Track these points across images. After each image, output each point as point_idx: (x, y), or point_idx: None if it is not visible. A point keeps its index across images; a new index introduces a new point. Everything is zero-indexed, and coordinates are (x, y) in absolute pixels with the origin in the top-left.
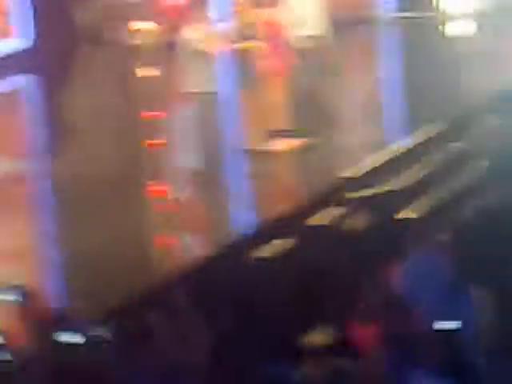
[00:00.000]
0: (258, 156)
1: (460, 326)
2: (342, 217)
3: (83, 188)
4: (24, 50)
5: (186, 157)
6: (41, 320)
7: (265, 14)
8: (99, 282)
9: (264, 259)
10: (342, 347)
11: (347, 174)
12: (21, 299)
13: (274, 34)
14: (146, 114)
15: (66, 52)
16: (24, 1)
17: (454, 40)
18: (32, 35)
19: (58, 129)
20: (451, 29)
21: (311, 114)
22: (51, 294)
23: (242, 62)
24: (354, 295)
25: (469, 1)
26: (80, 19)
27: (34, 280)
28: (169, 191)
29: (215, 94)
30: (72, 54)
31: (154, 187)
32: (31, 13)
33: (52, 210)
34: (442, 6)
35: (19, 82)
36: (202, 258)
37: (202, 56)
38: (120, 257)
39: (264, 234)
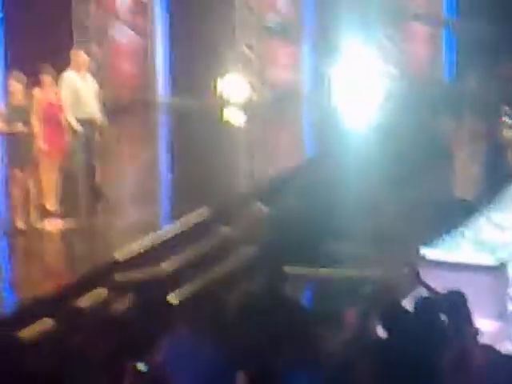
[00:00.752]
0: (28, 235)
1: None
2: (109, 299)
3: None
4: None
5: None
6: None
7: (40, 94)
8: None
9: (27, 339)
10: None
11: (116, 256)
12: None
13: (49, 114)
14: None
15: None
16: None
17: (227, 128)
18: None
19: None
20: (226, 117)
21: (83, 195)
22: None
23: (16, 141)
24: (117, 377)
25: (244, 91)
26: None
27: None
28: None
29: None
30: None
31: None
32: None
33: None
34: (218, 93)
35: None
36: None
37: None
38: None
39: (27, 313)
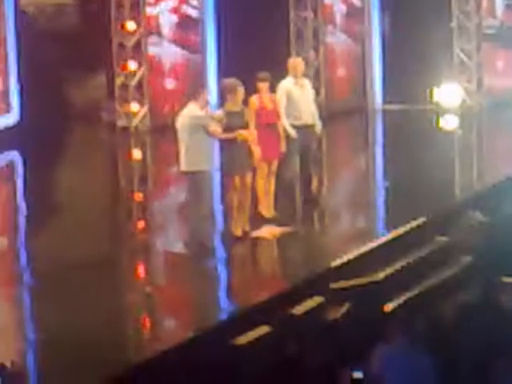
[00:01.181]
0: (244, 242)
1: None
2: (324, 306)
3: (66, 268)
4: (9, 128)
5: (169, 239)
6: None
7: (257, 101)
8: (80, 362)
9: (242, 345)
10: None
11: (332, 263)
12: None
13: (265, 121)
14: (133, 194)
15: (53, 130)
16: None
17: (441, 134)
18: (17, 112)
19: (43, 206)
20: (441, 123)
21: (298, 202)
22: (30, 374)
23: (234, 148)
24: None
25: (459, 97)
26: (74, 98)
27: (12, 360)
28: (152, 273)
29: (208, 173)
30: (60, 133)
31: (137, 268)
32: (17, 90)
33: (34, 290)
34: (433, 100)
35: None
36: (181, 341)
37: (200, 135)
38: (100, 338)
39: (244, 320)
